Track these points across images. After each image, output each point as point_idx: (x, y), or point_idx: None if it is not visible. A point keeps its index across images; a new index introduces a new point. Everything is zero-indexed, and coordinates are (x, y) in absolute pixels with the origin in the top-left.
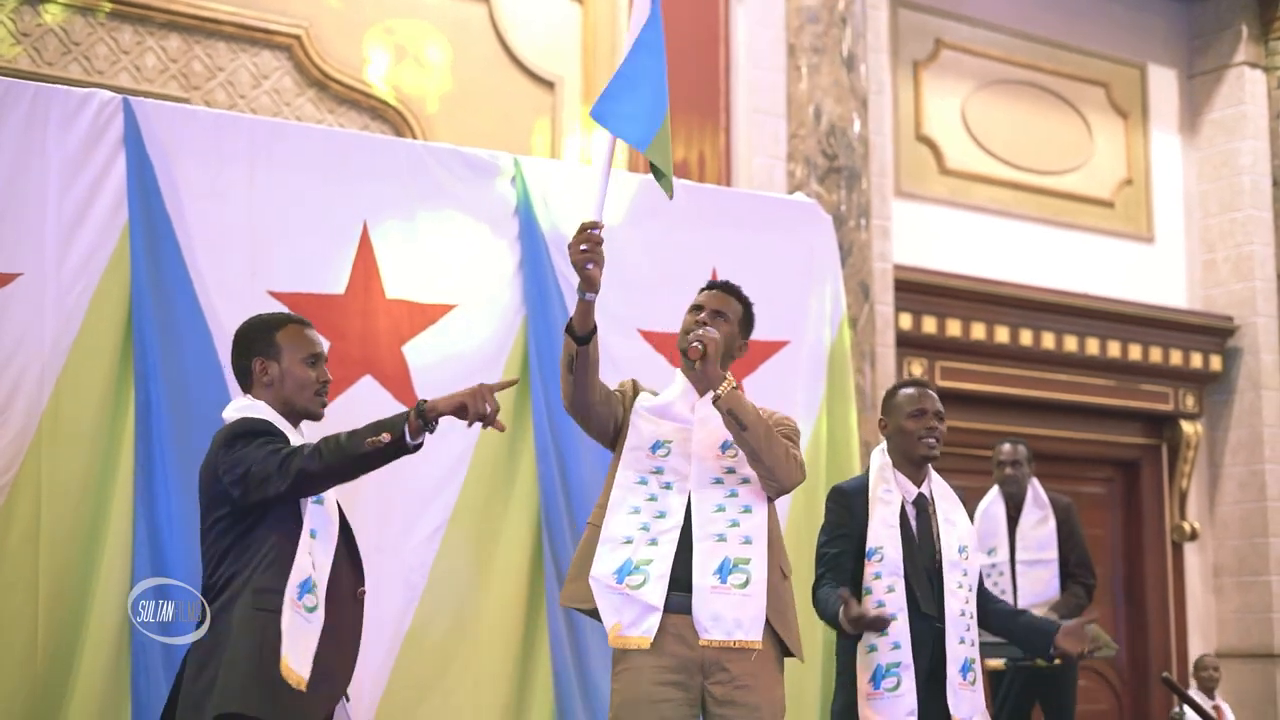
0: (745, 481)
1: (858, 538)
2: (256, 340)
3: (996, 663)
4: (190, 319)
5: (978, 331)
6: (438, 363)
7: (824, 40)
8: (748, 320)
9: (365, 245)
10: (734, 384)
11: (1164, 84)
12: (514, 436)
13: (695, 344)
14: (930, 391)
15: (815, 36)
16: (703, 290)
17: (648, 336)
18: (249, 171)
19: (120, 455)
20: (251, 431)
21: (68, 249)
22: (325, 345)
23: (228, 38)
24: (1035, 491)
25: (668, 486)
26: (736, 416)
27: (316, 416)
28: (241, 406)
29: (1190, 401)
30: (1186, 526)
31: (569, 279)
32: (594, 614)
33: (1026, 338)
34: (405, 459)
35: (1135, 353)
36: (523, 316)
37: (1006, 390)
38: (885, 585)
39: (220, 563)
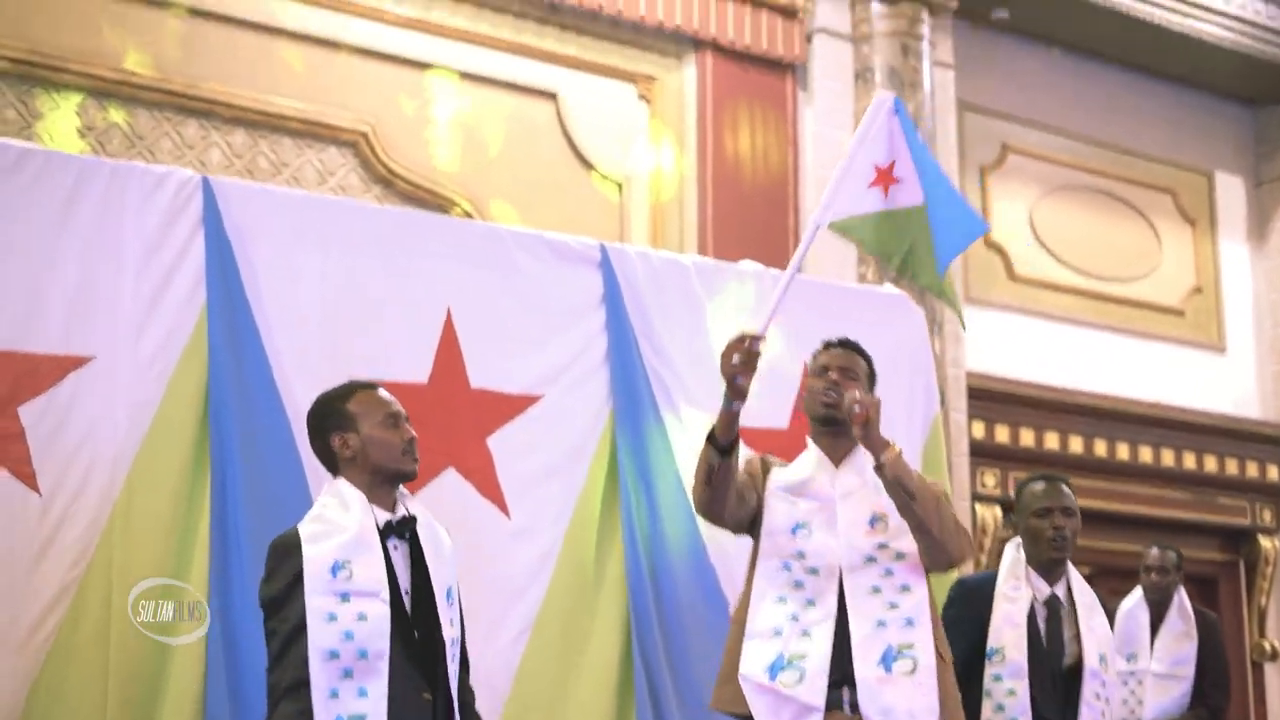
0: (900, 557)
1: (974, 635)
2: (329, 417)
3: None
4: (268, 404)
5: (1051, 441)
6: (523, 455)
7: None
8: (873, 377)
9: (449, 332)
10: (898, 450)
11: (1231, 191)
12: (602, 534)
13: (856, 408)
14: (1061, 486)
15: None
16: (824, 349)
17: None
18: (326, 254)
19: (195, 545)
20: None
21: (144, 331)
22: (398, 404)
23: (293, 133)
24: (1181, 602)
25: (814, 571)
26: (903, 485)
27: (411, 475)
28: (320, 504)
29: (1268, 516)
30: (1266, 645)
31: (656, 371)
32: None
33: (1101, 448)
34: (489, 560)
35: (1211, 464)
36: (610, 408)
37: (1081, 503)
38: (1006, 689)
39: None
